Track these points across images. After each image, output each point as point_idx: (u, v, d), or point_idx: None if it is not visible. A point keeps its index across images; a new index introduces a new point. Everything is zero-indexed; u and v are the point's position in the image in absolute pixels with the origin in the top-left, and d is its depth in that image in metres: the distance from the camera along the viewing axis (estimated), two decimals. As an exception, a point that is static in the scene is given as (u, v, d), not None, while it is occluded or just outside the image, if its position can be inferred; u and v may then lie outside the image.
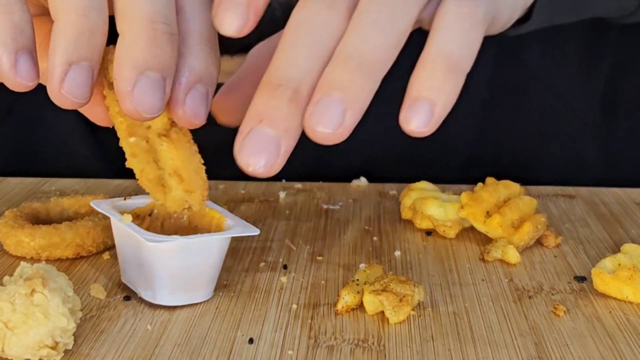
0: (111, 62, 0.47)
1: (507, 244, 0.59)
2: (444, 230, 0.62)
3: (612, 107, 0.83)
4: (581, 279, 0.56)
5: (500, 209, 0.61)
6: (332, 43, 0.43)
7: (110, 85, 0.48)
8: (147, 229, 0.52)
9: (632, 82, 0.83)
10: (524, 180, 0.67)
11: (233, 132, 0.79)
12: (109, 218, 0.59)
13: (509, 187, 0.64)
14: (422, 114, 0.42)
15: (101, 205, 0.54)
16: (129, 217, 0.53)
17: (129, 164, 0.51)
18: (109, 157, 0.81)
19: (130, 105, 0.45)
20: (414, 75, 0.43)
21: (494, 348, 0.48)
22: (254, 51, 0.53)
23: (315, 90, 0.43)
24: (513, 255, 0.58)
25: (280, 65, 0.43)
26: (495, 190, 0.63)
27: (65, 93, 0.45)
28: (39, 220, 0.61)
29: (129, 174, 0.52)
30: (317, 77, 0.43)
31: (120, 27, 0.46)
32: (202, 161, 0.50)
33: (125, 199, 0.55)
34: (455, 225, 0.62)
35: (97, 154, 0.81)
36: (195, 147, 0.50)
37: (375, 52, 0.43)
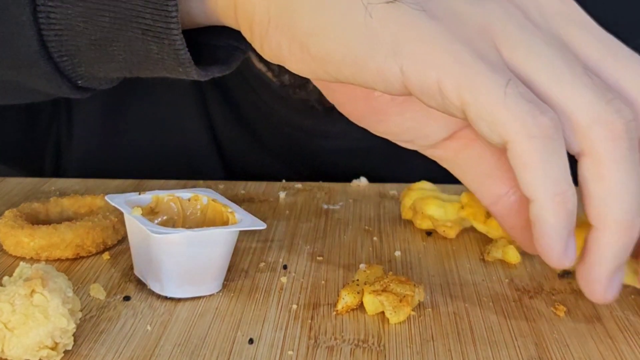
0: None
1: (507, 244, 0.59)
2: (444, 231, 0.62)
3: None
4: (567, 273, 0.56)
5: None
6: None
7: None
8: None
9: None
10: None
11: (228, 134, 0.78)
12: (109, 218, 0.59)
13: None
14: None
15: (115, 199, 0.55)
16: (138, 210, 0.53)
17: None
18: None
19: (599, 294, 0.47)
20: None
21: (494, 348, 0.48)
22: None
23: None
24: (513, 256, 0.58)
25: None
26: None
27: (608, 296, 0.48)
28: (38, 220, 0.61)
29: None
30: None
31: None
32: None
33: (139, 194, 0.56)
34: (455, 225, 0.62)
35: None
36: None
37: None
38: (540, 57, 0.45)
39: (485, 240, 0.61)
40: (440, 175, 0.66)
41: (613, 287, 0.47)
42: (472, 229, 0.63)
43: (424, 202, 0.63)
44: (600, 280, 0.47)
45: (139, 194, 0.57)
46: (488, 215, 0.61)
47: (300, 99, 0.76)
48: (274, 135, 0.81)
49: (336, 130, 0.78)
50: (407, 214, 0.65)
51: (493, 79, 0.44)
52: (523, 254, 0.60)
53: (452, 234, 0.62)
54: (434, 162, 0.61)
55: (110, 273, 0.56)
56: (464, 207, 0.62)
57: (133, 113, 0.82)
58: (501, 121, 0.44)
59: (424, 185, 0.66)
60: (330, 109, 0.76)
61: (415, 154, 0.78)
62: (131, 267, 0.56)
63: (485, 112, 0.44)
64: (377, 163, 0.76)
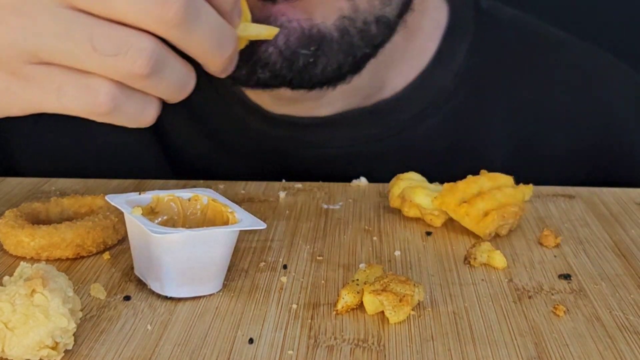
0: None
1: (492, 249, 0.59)
2: (431, 219, 0.64)
3: None
4: (566, 276, 0.56)
5: (471, 199, 0.62)
6: None
7: None
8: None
9: None
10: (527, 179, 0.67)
11: (229, 135, 0.78)
12: (109, 218, 0.59)
13: (495, 179, 0.64)
14: None
15: (115, 199, 0.55)
16: (138, 210, 0.54)
17: None
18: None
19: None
20: None
21: (494, 348, 0.48)
22: None
23: None
24: (500, 261, 0.58)
25: None
26: (475, 181, 0.63)
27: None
28: (39, 220, 0.61)
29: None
30: None
31: None
32: None
33: (140, 194, 0.57)
34: (442, 214, 0.64)
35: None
36: None
37: None
38: None
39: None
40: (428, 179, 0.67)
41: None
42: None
43: (412, 190, 0.64)
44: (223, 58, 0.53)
45: (139, 193, 0.57)
46: (459, 203, 0.62)
47: (237, 95, 0.76)
48: (251, 150, 0.80)
49: (315, 140, 0.77)
50: (395, 202, 0.66)
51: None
52: (522, 253, 0.60)
53: (438, 222, 0.64)
54: (418, 166, 0.67)
55: (111, 273, 0.56)
56: (437, 197, 0.63)
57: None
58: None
59: (412, 175, 0.67)
60: (307, 119, 0.76)
61: (400, 158, 0.79)
62: (131, 267, 0.56)
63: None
64: (361, 169, 0.76)
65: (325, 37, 0.63)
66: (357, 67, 0.67)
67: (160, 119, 0.80)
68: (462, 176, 0.66)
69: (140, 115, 0.52)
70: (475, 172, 0.66)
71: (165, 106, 0.79)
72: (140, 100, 0.52)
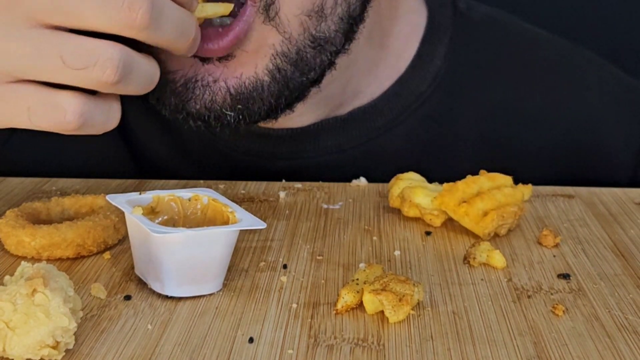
0: None
1: (492, 249, 0.59)
2: (431, 219, 0.64)
3: None
4: (565, 276, 0.57)
5: (471, 199, 0.62)
6: None
7: None
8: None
9: None
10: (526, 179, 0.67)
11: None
12: (109, 218, 0.59)
13: (494, 179, 0.64)
14: None
15: (116, 199, 0.55)
16: (139, 210, 0.54)
17: None
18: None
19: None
20: None
21: (493, 347, 0.48)
22: None
23: None
24: (499, 260, 0.58)
25: None
26: (474, 181, 0.63)
27: None
28: (39, 220, 0.62)
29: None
30: None
31: None
32: None
33: (140, 194, 0.57)
34: (441, 214, 0.64)
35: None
36: None
37: None
38: None
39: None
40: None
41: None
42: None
43: (412, 190, 0.64)
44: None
45: (140, 193, 0.57)
46: (458, 203, 0.62)
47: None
48: (223, 163, 0.79)
49: (289, 151, 0.77)
50: (395, 202, 0.66)
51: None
52: (522, 253, 0.60)
53: (438, 222, 0.64)
54: (394, 170, 0.67)
55: (111, 272, 0.57)
56: (437, 197, 0.63)
57: None
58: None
59: (412, 175, 0.67)
60: (274, 131, 0.76)
61: (375, 164, 0.79)
62: (132, 267, 0.57)
63: None
64: (337, 177, 0.76)
65: (256, 88, 0.63)
66: (296, 97, 0.66)
67: (133, 132, 0.81)
68: (437, 178, 0.66)
69: (105, 124, 0.56)
70: (450, 174, 0.66)
71: (139, 119, 0.79)
72: (105, 109, 0.55)
